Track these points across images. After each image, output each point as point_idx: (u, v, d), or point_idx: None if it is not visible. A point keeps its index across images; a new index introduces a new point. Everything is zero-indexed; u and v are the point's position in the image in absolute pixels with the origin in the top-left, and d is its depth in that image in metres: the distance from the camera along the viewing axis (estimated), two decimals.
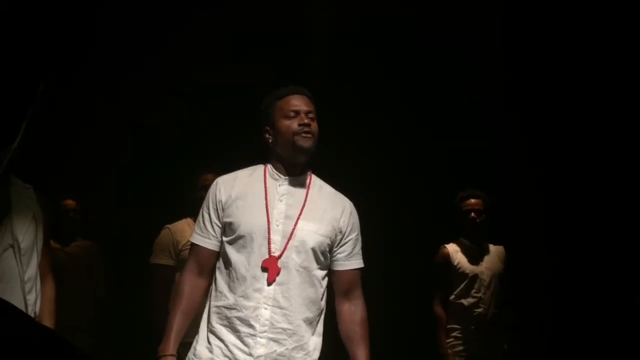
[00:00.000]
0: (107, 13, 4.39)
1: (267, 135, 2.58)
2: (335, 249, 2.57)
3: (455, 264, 4.28)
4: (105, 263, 4.76)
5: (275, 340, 2.42)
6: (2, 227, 2.66)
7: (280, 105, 2.55)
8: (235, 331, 2.42)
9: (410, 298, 5.09)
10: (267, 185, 2.52)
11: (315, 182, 2.61)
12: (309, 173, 2.61)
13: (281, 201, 2.50)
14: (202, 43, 5.07)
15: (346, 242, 2.57)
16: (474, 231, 4.32)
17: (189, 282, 2.53)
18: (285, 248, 2.44)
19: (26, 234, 2.71)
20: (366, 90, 5.29)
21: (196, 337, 2.53)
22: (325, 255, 2.52)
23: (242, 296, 2.42)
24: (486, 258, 4.34)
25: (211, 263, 2.53)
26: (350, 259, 2.59)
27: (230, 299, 2.43)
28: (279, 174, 2.55)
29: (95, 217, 4.85)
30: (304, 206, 2.51)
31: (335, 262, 2.58)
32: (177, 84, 5.21)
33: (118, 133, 5.25)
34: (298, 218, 2.48)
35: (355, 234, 2.60)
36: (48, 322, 2.81)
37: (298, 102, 2.55)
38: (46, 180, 3.58)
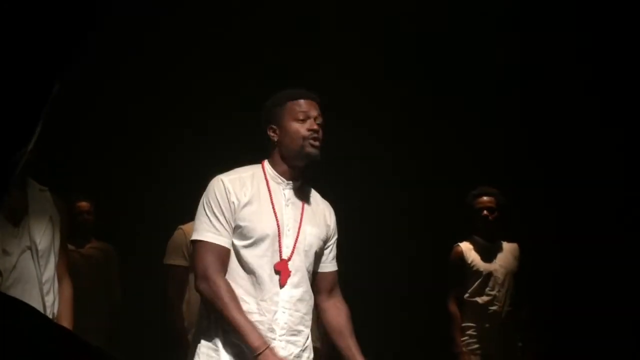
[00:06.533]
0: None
1: (271, 134, 2.55)
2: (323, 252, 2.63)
3: (469, 262, 4.27)
4: (119, 264, 4.78)
5: (292, 343, 2.45)
6: (19, 229, 2.68)
7: (291, 107, 2.53)
8: None
9: (421, 297, 5.09)
10: (271, 188, 2.52)
11: (306, 187, 2.63)
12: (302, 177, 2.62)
13: (287, 206, 2.52)
14: (217, 45, 5.09)
15: (330, 245, 2.65)
16: (487, 229, 4.30)
17: (225, 282, 2.40)
18: (293, 252, 2.47)
19: (43, 235, 2.73)
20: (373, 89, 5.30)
21: (199, 347, 2.42)
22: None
23: (263, 300, 2.41)
24: (500, 256, 4.33)
25: (228, 262, 2.49)
26: (333, 261, 2.67)
27: (251, 303, 2.41)
28: (282, 178, 2.54)
29: (107, 218, 4.86)
30: (303, 210, 2.54)
31: (322, 264, 2.63)
32: (195, 88, 5.23)
33: (131, 133, 5.26)
34: (301, 222, 2.52)
35: (336, 237, 2.68)
36: (66, 323, 2.82)
37: (308, 107, 2.54)
38: (60, 182, 3.59)
